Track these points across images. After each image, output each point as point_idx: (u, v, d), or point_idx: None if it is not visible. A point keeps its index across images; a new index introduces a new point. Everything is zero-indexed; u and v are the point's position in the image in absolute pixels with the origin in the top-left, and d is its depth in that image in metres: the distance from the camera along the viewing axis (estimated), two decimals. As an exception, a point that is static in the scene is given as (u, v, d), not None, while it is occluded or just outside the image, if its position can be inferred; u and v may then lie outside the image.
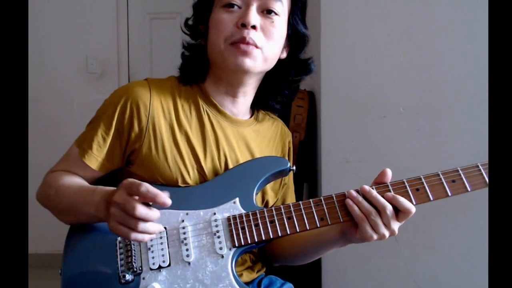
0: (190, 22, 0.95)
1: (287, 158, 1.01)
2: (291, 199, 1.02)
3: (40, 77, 2.42)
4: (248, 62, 0.84)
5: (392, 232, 0.76)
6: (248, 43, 0.83)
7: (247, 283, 0.92)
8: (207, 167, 0.87)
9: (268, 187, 0.96)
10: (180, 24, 0.96)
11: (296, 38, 0.93)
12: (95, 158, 0.86)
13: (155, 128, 0.85)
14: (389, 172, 0.80)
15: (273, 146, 1.00)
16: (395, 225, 0.76)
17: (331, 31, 1.43)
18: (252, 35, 0.83)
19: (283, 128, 1.05)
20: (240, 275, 0.90)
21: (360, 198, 0.77)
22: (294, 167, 0.90)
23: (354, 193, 0.78)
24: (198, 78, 0.93)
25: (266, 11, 0.86)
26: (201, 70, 0.93)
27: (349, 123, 1.43)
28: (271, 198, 0.97)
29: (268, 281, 0.97)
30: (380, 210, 0.75)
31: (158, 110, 0.86)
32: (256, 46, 0.84)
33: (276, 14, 0.86)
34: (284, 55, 0.94)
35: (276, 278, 0.99)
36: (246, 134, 0.94)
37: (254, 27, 0.84)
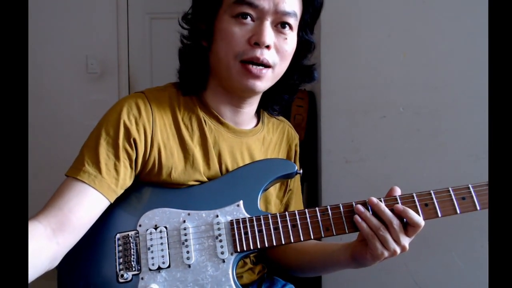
0: (189, 16, 0.87)
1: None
2: (295, 203, 0.99)
3: (40, 77, 2.41)
4: (259, 85, 0.80)
5: (403, 248, 0.73)
6: (261, 63, 0.78)
7: (247, 285, 0.91)
8: (208, 181, 0.84)
9: (274, 195, 0.94)
10: (178, 19, 0.88)
11: (302, 46, 0.88)
12: (107, 184, 0.75)
13: (159, 146, 0.80)
14: (397, 190, 0.77)
15: (278, 152, 0.96)
16: (405, 240, 0.74)
17: (331, 31, 1.43)
18: (266, 55, 0.78)
19: (290, 130, 1.00)
20: (241, 277, 0.89)
21: (368, 214, 0.74)
22: (301, 171, 0.87)
23: (361, 208, 0.75)
24: (198, 88, 0.88)
25: (280, 25, 0.80)
26: (201, 78, 0.87)
27: (349, 123, 1.43)
28: (275, 207, 0.94)
29: (269, 282, 0.96)
30: (387, 224, 0.73)
31: (161, 127, 0.81)
32: (269, 66, 0.80)
33: (290, 28, 0.81)
34: None
35: (277, 279, 0.98)
36: (251, 144, 0.90)
37: (267, 46, 0.78)
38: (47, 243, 0.68)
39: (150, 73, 2.57)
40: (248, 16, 0.78)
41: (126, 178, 0.78)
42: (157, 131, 0.81)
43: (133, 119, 0.79)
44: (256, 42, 0.78)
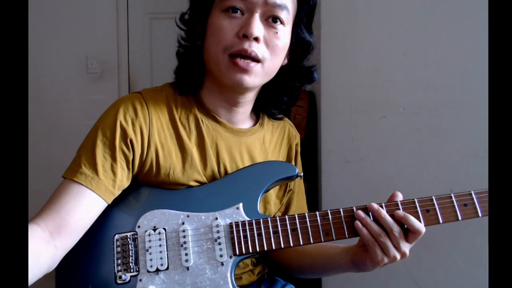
0: (186, 17, 0.87)
1: (293, 163, 0.97)
2: (296, 203, 0.98)
3: (40, 77, 2.41)
4: (247, 80, 0.79)
5: (403, 254, 0.73)
6: (249, 56, 0.77)
7: (246, 286, 0.91)
8: (207, 181, 0.84)
9: (273, 194, 0.93)
10: (176, 18, 0.88)
11: (300, 46, 0.86)
12: (104, 186, 0.75)
13: (157, 147, 0.80)
14: (399, 195, 0.77)
15: (279, 152, 0.95)
16: (406, 247, 0.73)
17: (331, 31, 1.43)
18: (254, 48, 0.77)
19: (291, 129, 0.99)
20: (240, 278, 0.89)
21: (369, 220, 0.74)
22: (302, 174, 0.86)
23: (362, 214, 0.74)
24: (194, 87, 0.87)
25: (272, 19, 0.79)
26: (197, 77, 0.87)
27: (349, 123, 1.43)
28: (274, 206, 0.93)
29: (269, 282, 0.96)
30: (387, 231, 0.73)
31: (158, 127, 0.81)
32: (258, 60, 0.78)
33: (281, 23, 0.79)
34: (285, 61, 0.87)
35: (278, 279, 0.98)
36: (250, 143, 0.89)
37: (256, 38, 0.77)
38: (45, 247, 0.68)
39: (150, 73, 2.57)
40: (238, 10, 0.78)
41: (123, 179, 0.78)
42: (154, 132, 0.80)
43: (130, 119, 0.79)
44: (244, 34, 0.77)
